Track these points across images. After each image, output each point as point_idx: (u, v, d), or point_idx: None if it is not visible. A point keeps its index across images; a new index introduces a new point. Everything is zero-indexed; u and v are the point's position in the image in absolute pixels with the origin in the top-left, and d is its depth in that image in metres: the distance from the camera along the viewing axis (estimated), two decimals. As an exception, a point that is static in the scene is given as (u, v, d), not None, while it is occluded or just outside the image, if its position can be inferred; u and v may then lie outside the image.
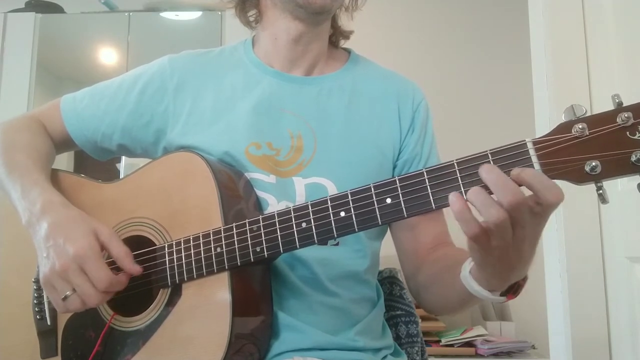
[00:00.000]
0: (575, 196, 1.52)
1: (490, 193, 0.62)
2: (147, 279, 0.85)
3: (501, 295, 0.73)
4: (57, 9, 3.13)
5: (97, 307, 0.84)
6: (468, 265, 0.74)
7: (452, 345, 2.21)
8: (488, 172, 0.62)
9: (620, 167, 0.60)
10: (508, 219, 0.61)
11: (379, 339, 0.96)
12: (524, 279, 0.73)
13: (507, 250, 0.64)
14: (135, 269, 0.82)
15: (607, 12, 1.55)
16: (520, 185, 0.62)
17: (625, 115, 0.59)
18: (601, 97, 1.54)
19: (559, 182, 0.62)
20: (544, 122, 1.65)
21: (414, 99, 1.03)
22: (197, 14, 3.09)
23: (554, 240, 1.59)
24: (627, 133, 0.60)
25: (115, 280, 0.80)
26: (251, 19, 1.07)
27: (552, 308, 1.63)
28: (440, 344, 2.21)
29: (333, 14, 1.03)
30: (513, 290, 0.74)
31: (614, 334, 1.49)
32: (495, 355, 2.18)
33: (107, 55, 3.16)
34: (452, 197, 0.63)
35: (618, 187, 1.42)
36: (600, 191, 0.62)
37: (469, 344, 2.22)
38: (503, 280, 0.71)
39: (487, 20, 2.85)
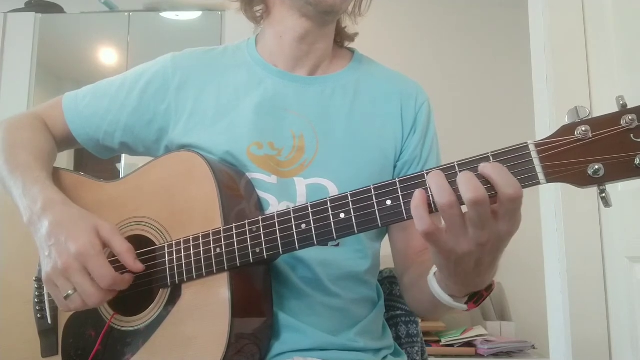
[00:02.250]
0: (575, 196, 1.52)
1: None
2: (147, 279, 0.85)
3: (465, 303, 0.75)
4: (57, 9, 3.13)
5: (97, 306, 0.84)
6: (434, 268, 0.75)
7: (452, 345, 2.21)
8: (462, 175, 0.63)
9: (624, 170, 0.59)
10: (458, 206, 0.62)
11: (379, 340, 0.97)
12: (488, 290, 0.74)
13: (466, 256, 0.65)
14: (138, 266, 0.82)
15: (607, 12, 1.55)
16: (482, 178, 0.62)
17: (630, 117, 0.59)
18: (601, 97, 1.54)
19: (561, 185, 0.62)
20: (544, 122, 1.65)
21: (417, 100, 1.02)
22: (197, 14, 3.09)
23: (554, 240, 1.59)
24: (632, 136, 0.59)
25: (119, 278, 0.80)
26: (257, 14, 1.06)
27: (552, 308, 1.63)
28: (440, 344, 2.21)
29: (340, 16, 1.03)
30: (475, 299, 0.74)
31: (614, 334, 1.49)
32: (495, 355, 2.19)
33: (107, 55, 3.16)
34: (417, 193, 0.65)
35: (618, 187, 1.42)
36: (603, 194, 0.61)
37: (469, 344, 2.22)
38: (462, 287, 0.72)
39: (488, 20, 2.85)
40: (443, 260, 0.69)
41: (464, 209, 0.63)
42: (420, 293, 0.86)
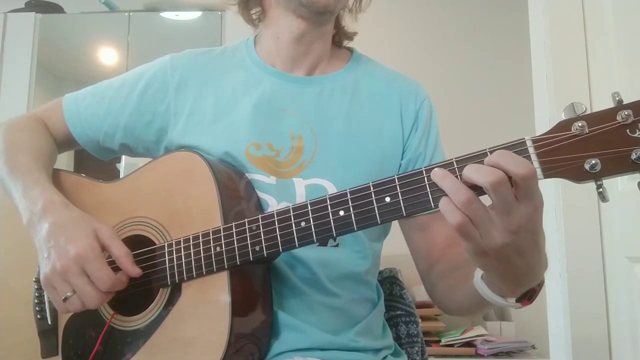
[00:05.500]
0: (575, 196, 1.53)
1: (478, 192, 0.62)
2: (147, 279, 0.85)
3: (517, 301, 0.72)
4: (57, 9, 3.13)
5: (96, 308, 0.84)
6: (479, 271, 0.73)
7: (452, 345, 2.21)
8: (468, 168, 0.62)
9: (621, 165, 0.60)
10: (478, 199, 0.61)
11: (379, 339, 0.96)
12: (540, 285, 0.72)
13: (504, 250, 0.63)
14: (135, 270, 0.82)
15: (607, 12, 1.55)
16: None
17: (626, 113, 0.59)
18: (601, 97, 1.54)
19: (558, 180, 0.62)
20: (544, 122, 1.65)
21: (417, 97, 1.02)
22: (197, 14, 3.09)
23: (554, 240, 1.59)
24: (627, 131, 0.60)
25: (117, 280, 0.80)
26: (254, 17, 1.06)
27: (552, 308, 1.63)
28: (440, 344, 2.21)
29: (336, 15, 1.03)
30: (528, 296, 0.72)
31: (614, 333, 1.49)
32: (495, 355, 2.18)
33: (107, 55, 3.16)
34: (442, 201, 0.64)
35: (618, 187, 1.42)
36: (600, 189, 0.61)
37: (469, 344, 2.22)
38: (516, 285, 0.70)
39: (488, 20, 2.85)
40: (484, 261, 0.67)
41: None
42: (453, 291, 0.85)
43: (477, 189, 0.62)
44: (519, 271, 0.67)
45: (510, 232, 0.62)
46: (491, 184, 0.60)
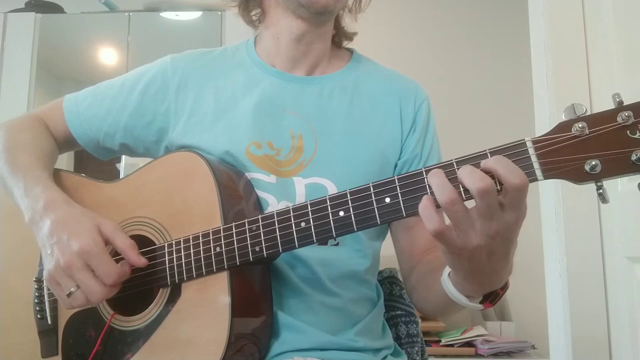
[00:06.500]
0: (575, 196, 1.52)
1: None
2: (147, 278, 0.85)
3: (480, 302, 0.74)
4: (57, 9, 3.13)
5: (99, 303, 0.85)
6: (448, 269, 0.75)
7: (452, 345, 2.21)
8: (463, 169, 0.63)
9: (621, 166, 0.60)
10: (461, 202, 0.62)
11: (379, 339, 0.97)
12: (503, 288, 0.74)
13: (477, 251, 0.64)
14: (141, 260, 0.82)
15: (607, 12, 1.55)
16: (487, 173, 0.62)
17: (626, 114, 0.59)
18: (601, 97, 1.54)
19: (558, 181, 0.62)
20: (544, 122, 1.65)
21: (416, 98, 1.03)
22: (197, 14, 3.09)
23: (554, 240, 1.59)
24: (628, 132, 0.60)
25: (123, 273, 0.80)
26: (254, 18, 1.07)
27: (552, 308, 1.63)
28: (440, 344, 2.21)
29: (336, 15, 1.03)
30: (491, 298, 0.74)
31: (614, 333, 1.49)
32: (495, 355, 2.18)
33: (107, 55, 3.16)
34: (424, 200, 0.65)
35: (618, 187, 1.42)
36: (600, 190, 0.62)
37: (469, 344, 2.22)
38: (479, 286, 0.72)
39: (488, 20, 2.85)
40: (456, 259, 0.68)
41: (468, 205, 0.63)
42: (428, 292, 0.86)
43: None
44: (483, 272, 0.68)
45: (487, 236, 0.63)
46: (478, 190, 0.60)
